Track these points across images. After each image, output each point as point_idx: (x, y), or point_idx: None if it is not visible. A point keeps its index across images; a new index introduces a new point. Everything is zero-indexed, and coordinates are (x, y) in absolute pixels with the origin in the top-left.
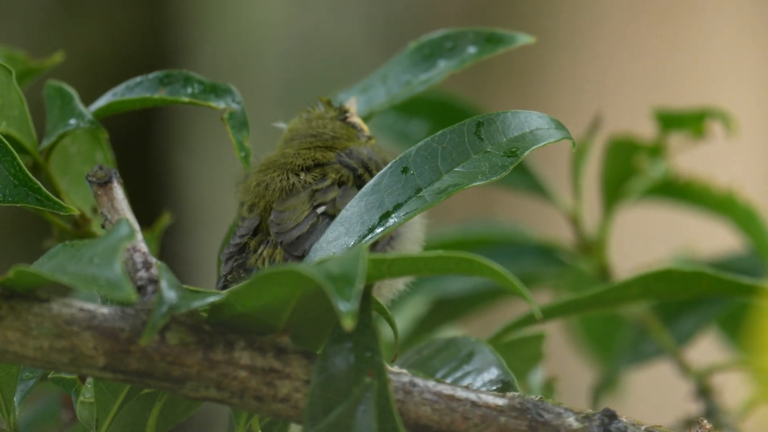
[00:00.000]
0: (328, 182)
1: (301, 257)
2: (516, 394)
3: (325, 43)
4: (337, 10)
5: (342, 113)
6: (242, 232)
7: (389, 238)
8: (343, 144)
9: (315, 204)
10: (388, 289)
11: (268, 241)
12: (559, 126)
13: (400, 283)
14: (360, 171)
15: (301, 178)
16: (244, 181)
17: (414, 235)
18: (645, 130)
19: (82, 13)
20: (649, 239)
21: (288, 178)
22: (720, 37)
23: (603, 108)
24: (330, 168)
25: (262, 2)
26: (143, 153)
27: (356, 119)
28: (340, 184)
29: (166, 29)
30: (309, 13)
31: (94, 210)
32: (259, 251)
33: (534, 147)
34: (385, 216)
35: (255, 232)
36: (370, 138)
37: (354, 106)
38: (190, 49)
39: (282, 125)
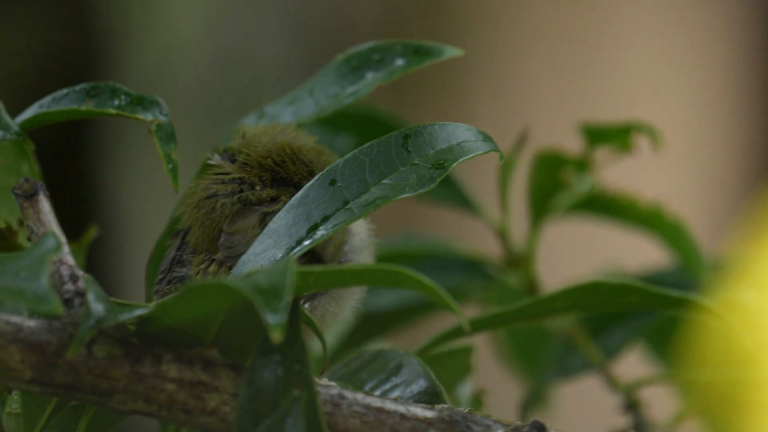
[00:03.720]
0: (279, 205)
1: None
2: (445, 406)
3: (246, 57)
4: (258, 25)
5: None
6: (178, 246)
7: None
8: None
9: (265, 227)
10: (332, 317)
11: (213, 259)
12: (487, 138)
13: (345, 311)
14: None
15: (255, 192)
16: (191, 194)
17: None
18: (572, 144)
19: (4, 26)
20: (576, 253)
21: (241, 196)
22: (643, 49)
23: (530, 122)
24: (284, 190)
25: (183, 16)
26: (70, 165)
27: None
28: None
29: (90, 42)
30: (229, 27)
31: (21, 222)
32: (202, 267)
33: (461, 159)
34: (313, 228)
35: (195, 249)
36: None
37: None
38: (115, 62)
39: (216, 159)
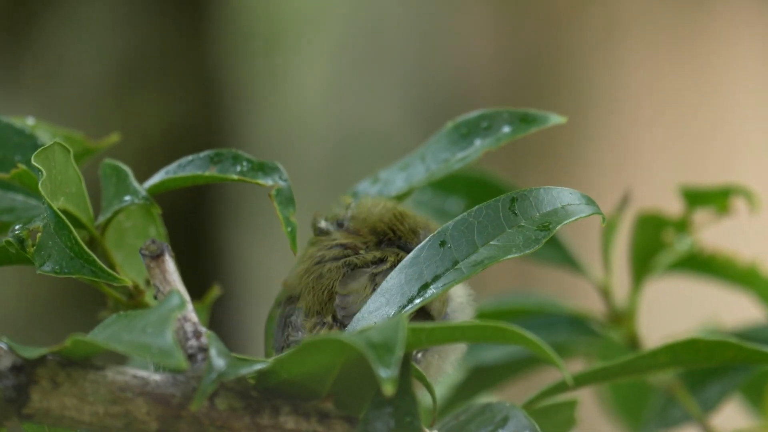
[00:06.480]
0: (387, 265)
1: None
2: None
3: (365, 126)
4: (376, 96)
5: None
6: (291, 312)
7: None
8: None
9: (375, 287)
10: (435, 371)
11: (324, 322)
12: (590, 202)
13: (447, 365)
14: None
15: (361, 256)
16: (301, 260)
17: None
18: (672, 206)
19: (138, 97)
20: (676, 310)
21: (347, 260)
22: (744, 115)
23: (631, 185)
24: (389, 251)
25: (305, 88)
26: (195, 228)
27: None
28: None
29: (216, 114)
30: (350, 98)
31: (147, 282)
32: (314, 330)
33: (566, 222)
34: (424, 287)
35: (307, 314)
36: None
37: None
38: (241, 131)
39: (324, 224)
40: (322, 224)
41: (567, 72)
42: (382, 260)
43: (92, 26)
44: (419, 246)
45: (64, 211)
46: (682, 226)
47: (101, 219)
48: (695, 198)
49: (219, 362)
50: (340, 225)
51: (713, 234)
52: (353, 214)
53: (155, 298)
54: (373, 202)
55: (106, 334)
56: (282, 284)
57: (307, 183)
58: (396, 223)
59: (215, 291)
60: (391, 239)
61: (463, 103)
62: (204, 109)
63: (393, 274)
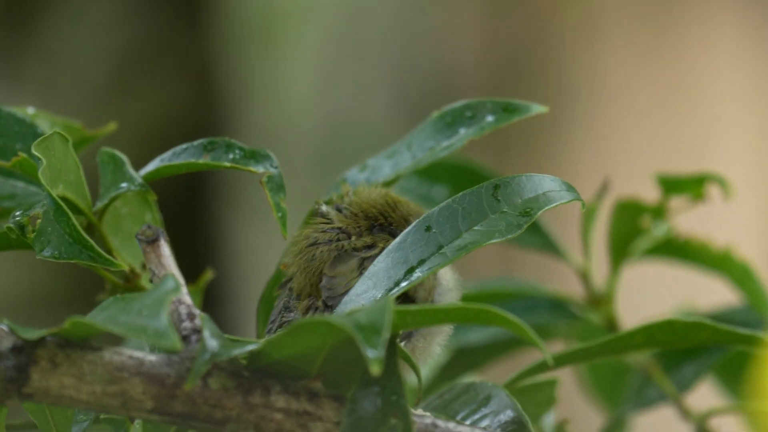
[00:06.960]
0: (376, 251)
1: None
2: None
3: (353, 116)
4: (364, 87)
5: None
6: (287, 296)
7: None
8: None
9: (363, 271)
10: (421, 352)
11: (317, 308)
12: (570, 188)
13: (433, 347)
14: None
15: (352, 241)
16: (295, 242)
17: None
18: (649, 193)
19: (134, 88)
20: (653, 293)
21: (339, 244)
22: (719, 105)
23: (610, 173)
24: (379, 237)
25: (296, 80)
26: (189, 213)
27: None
28: None
29: (210, 104)
30: (338, 89)
31: (143, 266)
32: (307, 312)
33: (547, 207)
34: (410, 271)
35: (299, 295)
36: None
37: None
38: (232, 122)
39: (325, 209)
40: (324, 209)
41: (549, 63)
42: (371, 246)
43: (91, 20)
44: (405, 231)
45: (63, 198)
46: (659, 212)
47: (99, 205)
48: (671, 186)
49: (212, 343)
50: (338, 210)
51: (688, 220)
52: (350, 199)
53: (151, 281)
54: (370, 190)
55: (103, 316)
56: (280, 266)
57: (298, 170)
58: (388, 210)
59: (208, 274)
60: (383, 225)
61: (448, 94)
62: (198, 100)
63: (380, 258)
